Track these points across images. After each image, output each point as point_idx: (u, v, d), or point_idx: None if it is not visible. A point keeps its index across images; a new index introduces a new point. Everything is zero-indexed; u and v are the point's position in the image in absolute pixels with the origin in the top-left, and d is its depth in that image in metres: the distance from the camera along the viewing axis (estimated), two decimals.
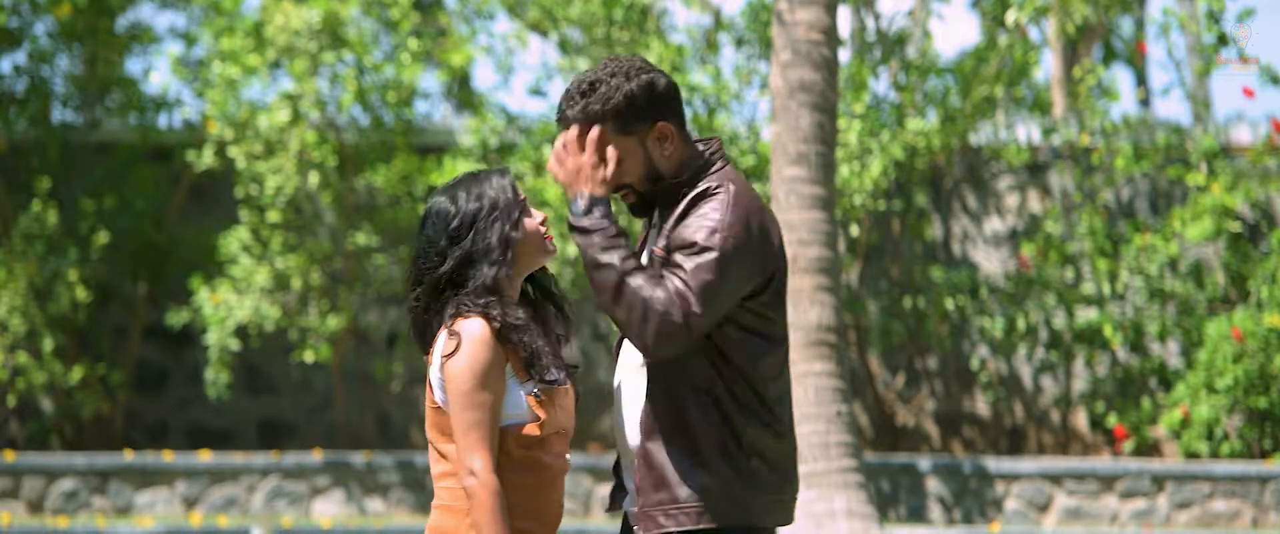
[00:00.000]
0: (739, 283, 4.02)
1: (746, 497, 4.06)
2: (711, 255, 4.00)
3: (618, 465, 4.25)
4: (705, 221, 4.04)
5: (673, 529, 4.06)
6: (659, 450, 4.07)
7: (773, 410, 4.10)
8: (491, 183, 4.09)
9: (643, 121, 4.15)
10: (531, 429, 4.01)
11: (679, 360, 4.04)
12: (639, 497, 4.09)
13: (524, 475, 4.02)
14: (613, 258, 4.03)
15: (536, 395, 4.02)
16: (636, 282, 4.00)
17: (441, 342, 4.02)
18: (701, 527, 4.05)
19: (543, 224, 4.12)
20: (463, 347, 3.97)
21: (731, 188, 4.10)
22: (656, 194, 4.17)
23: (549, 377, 4.05)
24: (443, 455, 4.06)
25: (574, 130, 4.11)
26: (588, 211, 4.07)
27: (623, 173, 4.16)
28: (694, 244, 4.02)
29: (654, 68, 4.21)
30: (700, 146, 4.19)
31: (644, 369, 4.11)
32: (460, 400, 3.96)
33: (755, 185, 11.63)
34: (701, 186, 4.11)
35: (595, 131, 4.10)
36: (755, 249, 4.05)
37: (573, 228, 4.08)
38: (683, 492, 4.04)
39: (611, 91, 4.12)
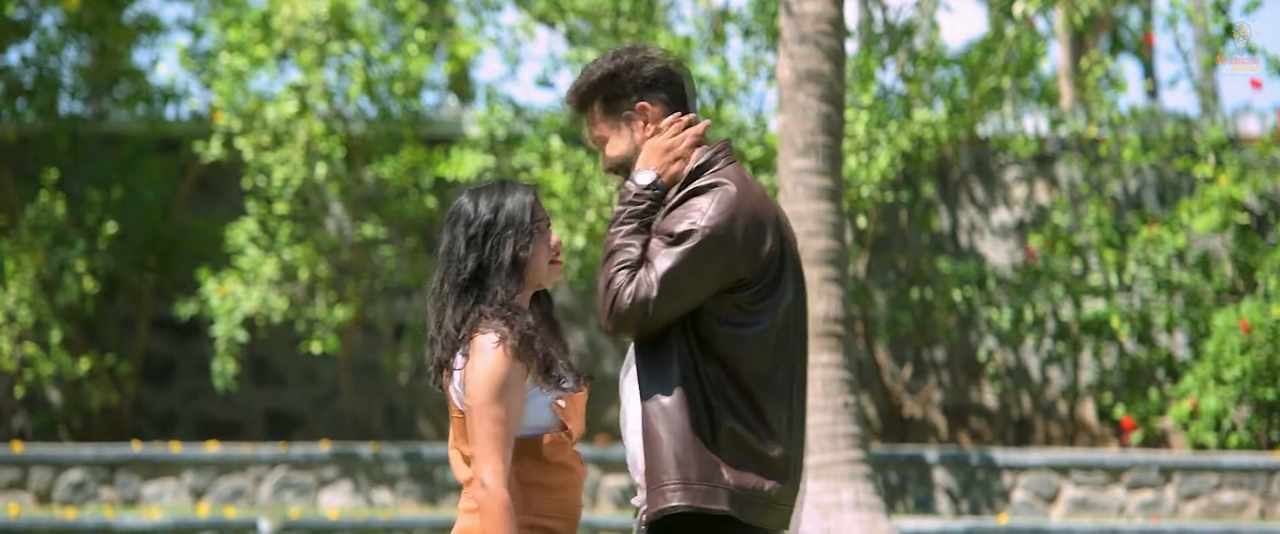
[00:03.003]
0: (710, 278, 4.09)
1: (726, 485, 4.08)
2: (682, 247, 4.08)
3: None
4: (689, 213, 4.12)
5: (672, 505, 4.09)
6: (651, 436, 4.12)
7: (761, 413, 4.12)
8: (514, 197, 4.18)
9: (624, 100, 4.24)
10: (559, 436, 4.13)
11: (665, 350, 4.11)
12: (644, 481, 4.15)
13: (557, 477, 4.15)
14: (617, 231, 4.15)
15: (561, 404, 4.13)
16: (618, 258, 4.11)
17: (460, 356, 4.12)
18: (681, 504, 4.07)
19: (556, 247, 4.21)
20: (481, 361, 4.06)
21: (730, 188, 4.15)
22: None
23: (566, 384, 4.15)
24: (469, 461, 4.15)
25: (675, 117, 4.25)
26: (639, 185, 4.18)
27: (613, 154, 4.27)
28: (671, 234, 4.10)
29: (654, 55, 4.26)
30: (707, 152, 4.24)
31: (638, 359, 4.17)
32: (477, 413, 4.06)
33: (762, 177, 11.62)
34: (699, 182, 4.17)
35: (688, 117, 4.25)
36: (736, 249, 4.10)
37: (625, 192, 4.20)
38: (668, 473, 4.09)
39: (593, 72, 4.25)
